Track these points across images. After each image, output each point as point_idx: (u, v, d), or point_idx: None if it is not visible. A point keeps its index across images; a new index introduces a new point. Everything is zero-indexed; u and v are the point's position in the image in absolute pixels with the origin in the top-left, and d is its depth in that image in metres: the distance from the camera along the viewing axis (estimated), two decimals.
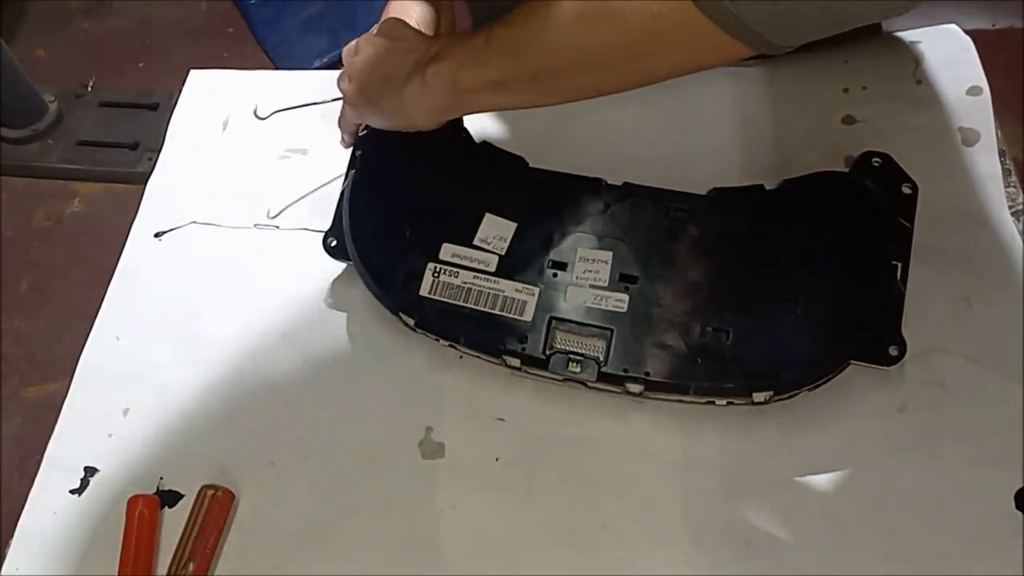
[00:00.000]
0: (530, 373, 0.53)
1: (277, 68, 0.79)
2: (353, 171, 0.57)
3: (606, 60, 0.45)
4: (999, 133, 0.60)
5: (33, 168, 0.92)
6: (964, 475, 0.50)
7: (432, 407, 0.55)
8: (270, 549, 0.51)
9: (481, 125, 0.61)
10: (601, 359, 0.50)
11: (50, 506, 0.54)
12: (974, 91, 0.62)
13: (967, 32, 0.65)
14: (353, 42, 0.56)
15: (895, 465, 0.51)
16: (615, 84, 0.48)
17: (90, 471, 0.55)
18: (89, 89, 0.87)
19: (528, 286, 0.52)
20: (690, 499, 0.51)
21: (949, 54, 0.64)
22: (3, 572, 0.52)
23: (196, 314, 0.60)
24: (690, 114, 0.64)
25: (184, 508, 0.52)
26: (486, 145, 0.57)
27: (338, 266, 0.59)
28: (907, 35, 0.66)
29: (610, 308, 0.51)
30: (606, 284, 0.52)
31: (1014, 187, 0.59)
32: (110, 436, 0.56)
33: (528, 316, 0.51)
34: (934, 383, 0.53)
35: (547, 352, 0.51)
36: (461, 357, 0.55)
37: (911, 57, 0.64)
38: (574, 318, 0.51)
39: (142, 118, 0.83)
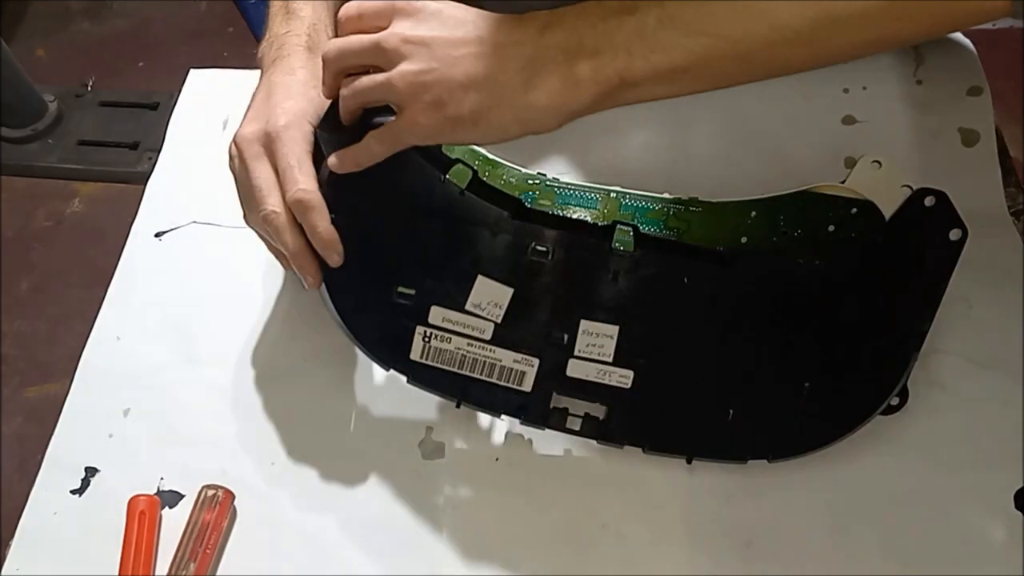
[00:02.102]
0: None
1: None
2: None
3: (854, 28, 0.38)
4: (999, 133, 0.61)
5: (33, 168, 0.92)
6: (964, 475, 0.50)
7: (432, 407, 0.55)
8: (270, 549, 0.51)
9: None
10: (600, 428, 0.50)
11: (50, 506, 0.54)
12: (974, 91, 0.62)
13: (967, 32, 0.65)
14: (351, 43, 0.43)
15: (895, 465, 0.51)
16: (841, 55, 0.41)
17: (90, 471, 0.55)
18: (89, 89, 0.87)
19: (527, 356, 0.49)
20: (690, 499, 0.51)
21: (949, 55, 0.64)
22: (3, 572, 0.52)
23: (196, 314, 0.60)
24: (690, 114, 0.64)
25: (184, 508, 0.52)
26: (475, 187, 0.48)
27: None
28: None
29: (613, 383, 0.49)
30: (611, 360, 0.49)
31: (1014, 187, 0.59)
32: (110, 436, 0.56)
33: (527, 386, 0.49)
34: (934, 383, 0.53)
35: (547, 421, 0.50)
36: None
37: (911, 58, 0.64)
38: (576, 393, 0.49)
39: (142, 118, 0.83)
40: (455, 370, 0.49)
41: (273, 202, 0.47)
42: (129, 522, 0.51)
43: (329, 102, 0.46)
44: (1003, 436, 0.51)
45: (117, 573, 0.50)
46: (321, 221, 0.46)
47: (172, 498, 0.53)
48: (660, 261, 0.48)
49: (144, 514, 0.51)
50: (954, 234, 0.46)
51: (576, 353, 0.48)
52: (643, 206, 0.55)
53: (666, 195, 0.56)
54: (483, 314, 0.48)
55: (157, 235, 0.64)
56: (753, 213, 0.54)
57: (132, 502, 0.52)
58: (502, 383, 0.49)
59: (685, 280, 0.47)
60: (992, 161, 0.59)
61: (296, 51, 0.51)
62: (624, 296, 0.48)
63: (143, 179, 0.69)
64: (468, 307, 0.48)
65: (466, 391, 0.50)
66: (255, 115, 0.49)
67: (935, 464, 0.51)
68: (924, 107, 0.62)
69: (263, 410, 0.56)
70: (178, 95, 0.73)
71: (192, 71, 0.74)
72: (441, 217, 0.48)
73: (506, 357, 0.49)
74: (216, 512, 0.51)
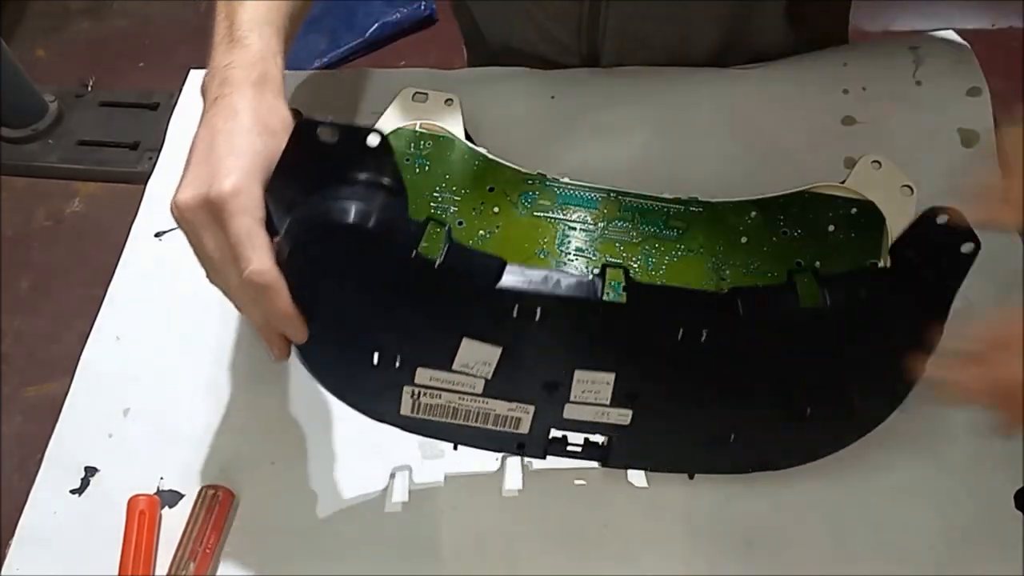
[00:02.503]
0: None
1: None
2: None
3: None
4: (999, 133, 0.61)
5: (33, 168, 0.92)
6: (964, 475, 0.50)
7: None
8: (270, 549, 0.51)
9: (476, 125, 0.61)
10: (601, 452, 0.50)
11: (50, 506, 0.54)
12: (973, 92, 0.62)
13: (967, 31, 0.65)
14: None
15: (895, 465, 0.51)
16: None
17: (90, 471, 0.55)
18: (89, 89, 0.87)
19: (522, 404, 0.48)
20: (690, 499, 0.51)
21: (948, 56, 0.64)
22: (3, 572, 0.52)
23: (196, 314, 0.60)
24: (690, 114, 0.64)
25: (184, 508, 0.52)
26: (451, 253, 0.43)
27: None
28: (906, 39, 0.66)
29: (612, 421, 0.48)
30: (608, 402, 0.47)
31: None
32: (110, 436, 0.56)
33: (524, 429, 0.48)
34: (933, 383, 0.53)
35: (547, 453, 0.50)
36: None
37: (910, 60, 0.64)
38: (573, 431, 0.49)
39: (142, 118, 0.83)
40: (447, 420, 0.48)
41: (230, 278, 0.43)
42: (129, 522, 0.51)
43: (280, 154, 0.43)
44: (1003, 436, 0.51)
45: (117, 573, 0.50)
46: (278, 300, 0.42)
47: (172, 498, 0.53)
48: (654, 310, 0.45)
49: (144, 514, 0.51)
50: (966, 247, 0.44)
51: (572, 399, 0.47)
52: (643, 206, 0.56)
53: (666, 195, 0.56)
54: (472, 372, 0.46)
55: (157, 235, 0.64)
56: (753, 213, 0.54)
57: (132, 502, 0.52)
58: (498, 428, 0.48)
59: (681, 330, 0.44)
60: (992, 161, 0.60)
61: (240, 87, 0.46)
62: (618, 346, 0.46)
63: (143, 179, 0.69)
64: (456, 367, 0.46)
65: (462, 435, 0.49)
66: (196, 175, 0.44)
67: (935, 464, 0.51)
68: (923, 108, 0.62)
69: (263, 410, 0.56)
70: (178, 95, 0.73)
71: (192, 71, 0.73)
72: (416, 289, 0.44)
73: (500, 407, 0.47)
74: (216, 512, 0.51)
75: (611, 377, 0.46)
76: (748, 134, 0.62)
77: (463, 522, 0.51)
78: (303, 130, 0.42)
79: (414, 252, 0.42)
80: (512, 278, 0.43)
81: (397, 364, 0.46)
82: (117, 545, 0.51)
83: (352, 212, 0.41)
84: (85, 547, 0.52)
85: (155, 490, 0.54)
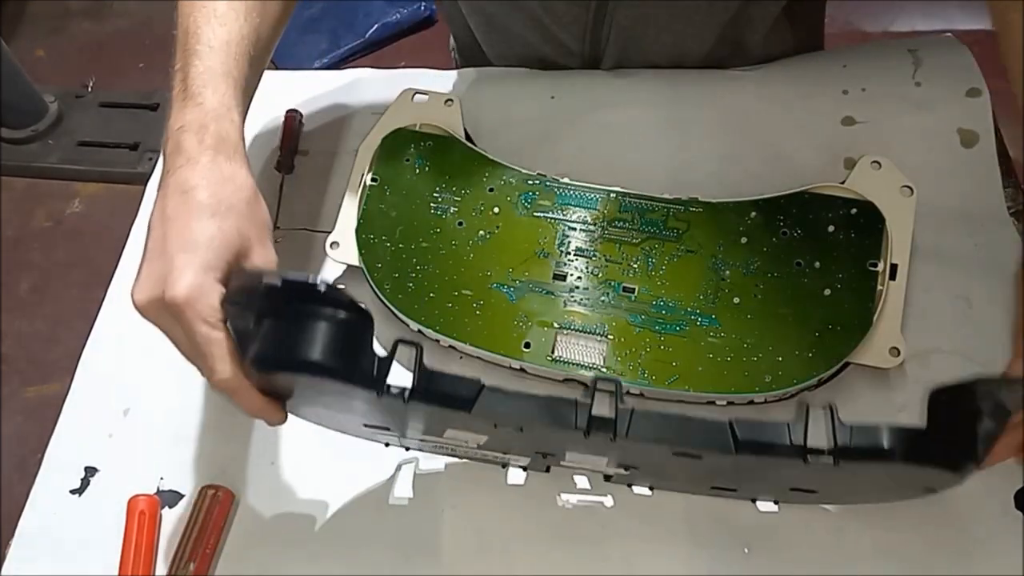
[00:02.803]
0: (531, 373, 0.53)
1: (277, 68, 0.79)
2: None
3: None
4: (998, 134, 0.61)
5: (33, 168, 0.92)
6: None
7: None
8: (270, 549, 0.51)
9: (476, 125, 0.61)
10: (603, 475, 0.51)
11: (50, 506, 0.54)
12: (973, 93, 0.62)
13: (967, 32, 0.65)
14: None
15: None
16: None
17: (90, 471, 0.55)
18: (89, 89, 0.87)
19: (518, 456, 0.49)
20: (690, 499, 0.51)
21: (947, 57, 0.64)
22: (3, 572, 0.52)
23: None
24: (690, 114, 0.64)
25: (184, 508, 0.52)
26: (423, 388, 0.39)
27: (338, 266, 0.58)
28: (905, 41, 0.66)
29: (609, 471, 0.49)
30: (603, 467, 0.47)
31: (1013, 187, 0.59)
32: (110, 436, 0.56)
33: (524, 463, 0.50)
34: (934, 383, 0.53)
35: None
36: (461, 357, 0.55)
37: (909, 61, 0.64)
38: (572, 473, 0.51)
39: (142, 118, 0.83)
40: (448, 453, 0.50)
41: (202, 372, 0.43)
42: (129, 522, 0.51)
43: (238, 231, 0.42)
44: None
45: (117, 573, 0.50)
46: (248, 401, 0.42)
47: (172, 498, 0.53)
48: (646, 439, 0.40)
49: (144, 514, 0.51)
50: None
51: (566, 459, 0.47)
52: (643, 206, 0.56)
53: (666, 195, 0.56)
54: (463, 441, 0.46)
55: None
56: (753, 213, 0.54)
57: (132, 502, 0.52)
58: (498, 463, 0.50)
59: (676, 451, 0.40)
60: (992, 161, 0.60)
61: (192, 158, 0.43)
62: (610, 451, 0.43)
63: (143, 179, 0.69)
64: (446, 437, 0.46)
65: (464, 456, 0.51)
66: (150, 271, 0.42)
67: None
68: (923, 108, 0.62)
69: None
70: None
71: None
72: (390, 415, 0.43)
73: (497, 455, 0.49)
74: (216, 512, 0.51)
75: (603, 460, 0.45)
76: (748, 135, 0.62)
77: (463, 521, 0.51)
78: (245, 284, 0.40)
79: (380, 393, 0.39)
80: (488, 405, 0.39)
81: (388, 430, 0.47)
82: (117, 545, 0.51)
83: (317, 362, 0.38)
84: (85, 547, 0.52)
85: (155, 490, 0.54)
